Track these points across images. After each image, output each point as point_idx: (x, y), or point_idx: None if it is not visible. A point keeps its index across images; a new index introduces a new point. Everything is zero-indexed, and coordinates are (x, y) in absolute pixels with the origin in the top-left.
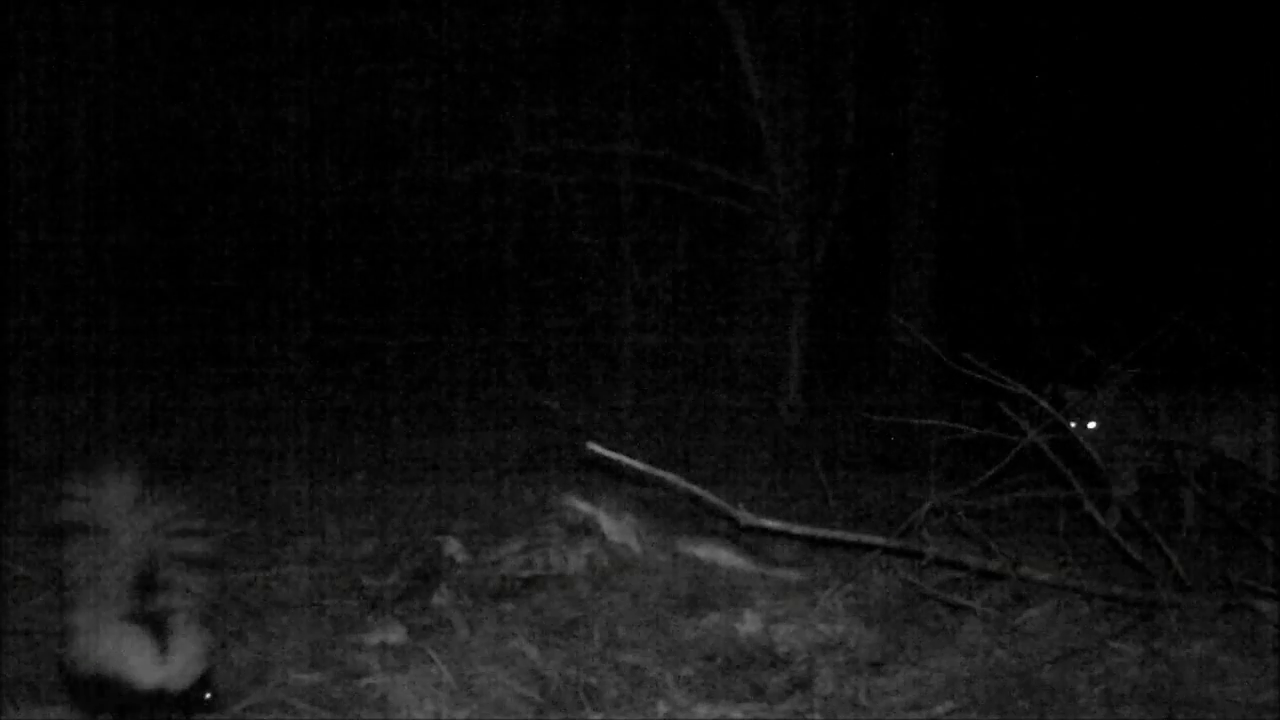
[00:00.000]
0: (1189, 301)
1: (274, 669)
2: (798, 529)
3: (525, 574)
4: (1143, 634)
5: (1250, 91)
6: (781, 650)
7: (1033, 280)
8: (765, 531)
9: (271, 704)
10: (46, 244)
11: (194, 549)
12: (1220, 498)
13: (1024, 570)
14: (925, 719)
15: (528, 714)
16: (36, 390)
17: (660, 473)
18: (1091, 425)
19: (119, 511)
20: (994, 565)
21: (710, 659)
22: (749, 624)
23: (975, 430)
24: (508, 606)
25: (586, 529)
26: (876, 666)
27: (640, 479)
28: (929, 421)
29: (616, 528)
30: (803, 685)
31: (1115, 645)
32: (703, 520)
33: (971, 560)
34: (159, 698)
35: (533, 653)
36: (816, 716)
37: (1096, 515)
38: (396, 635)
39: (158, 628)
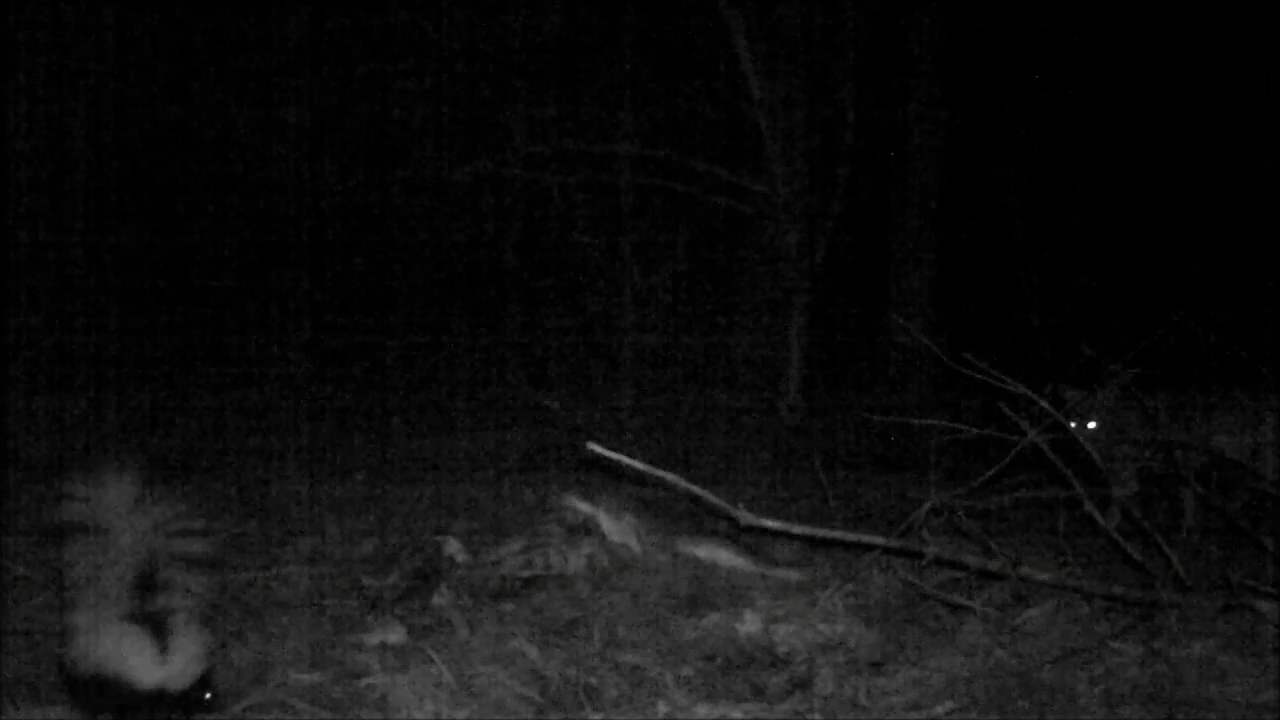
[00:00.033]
0: (1189, 301)
1: (274, 669)
2: (798, 529)
3: (525, 574)
4: (1143, 634)
5: (1250, 92)
6: (781, 650)
7: (1033, 280)
8: (765, 531)
9: (271, 704)
10: (46, 244)
11: (194, 549)
12: (1220, 498)
13: (1024, 570)
14: (925, 719)
15: (528, 714)
16: (36, 390)
17: (660, 473)
18: (1091, 425)
19: (119, 511)
20: (994, 565)
21: (710, 659)
22: (749, 624)
23: (975, 430)
24: (508, 606)
25: (586, 529)
26: (876, 666)
27: (640, 479)
28: (929, 421)
29: (616, 528)
30: (803, 685)
31: (1115, 645)
32: (703, 520)
33: (971, 560)
34: (159, 698)
35: (533, 653)
36: (816, 716)
37: (1096, 515)
38: (396, 635)
39: (158, 628)
